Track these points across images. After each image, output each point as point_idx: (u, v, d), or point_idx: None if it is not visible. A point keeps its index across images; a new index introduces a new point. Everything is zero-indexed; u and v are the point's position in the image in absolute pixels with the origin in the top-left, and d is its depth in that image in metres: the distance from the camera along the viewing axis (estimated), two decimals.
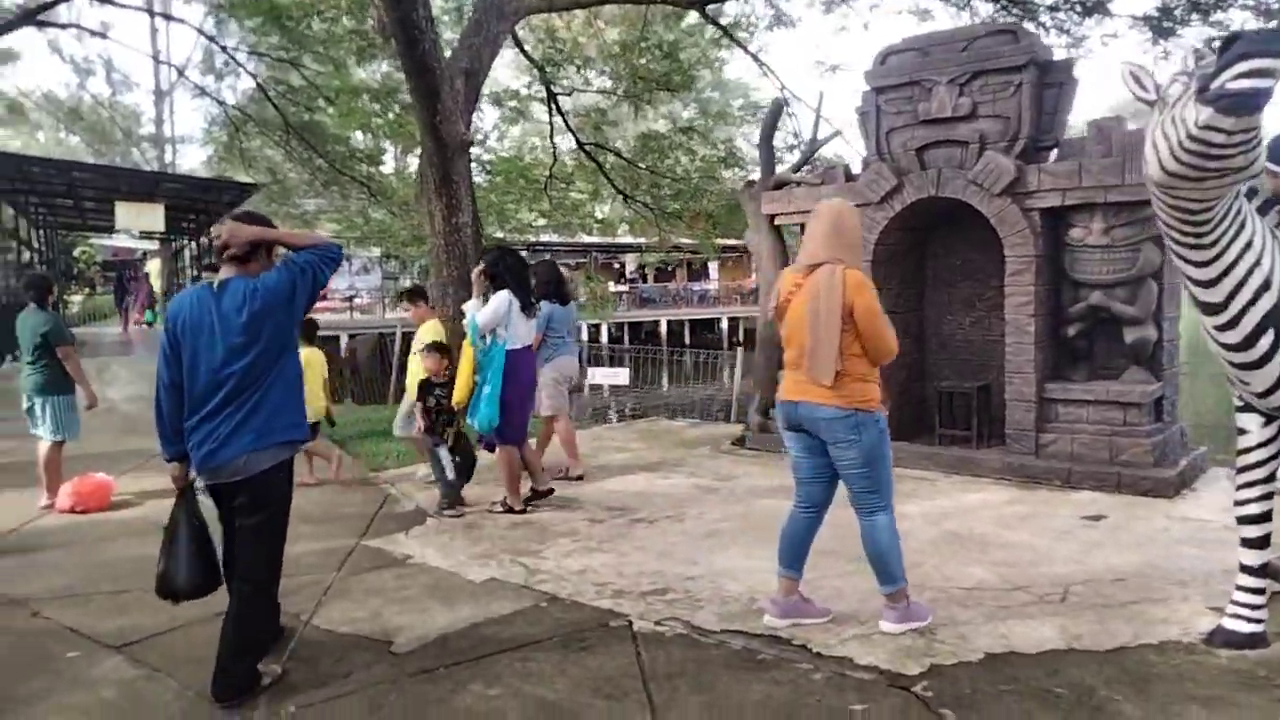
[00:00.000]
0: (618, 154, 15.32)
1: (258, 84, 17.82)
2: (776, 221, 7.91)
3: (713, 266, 44.48)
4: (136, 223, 15.08)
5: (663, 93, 15.62)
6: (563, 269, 7.33)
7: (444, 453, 5.83)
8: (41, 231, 21.59)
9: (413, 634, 3.72)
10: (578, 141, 14.35)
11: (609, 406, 16.02)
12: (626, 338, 32.63)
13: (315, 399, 6.25)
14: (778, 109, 9.64)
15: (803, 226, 4.09)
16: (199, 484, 3.44)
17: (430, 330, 6.63)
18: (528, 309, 5.71)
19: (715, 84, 37.17)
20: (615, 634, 3.70)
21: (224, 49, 17.26)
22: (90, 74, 27.58)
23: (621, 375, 10.18)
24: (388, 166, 23.88)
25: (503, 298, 5.53)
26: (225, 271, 3.36)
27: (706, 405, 15.97)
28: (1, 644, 3.75)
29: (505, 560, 4.73)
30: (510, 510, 5.69)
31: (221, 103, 20.89)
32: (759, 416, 7.90)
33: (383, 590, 4.29)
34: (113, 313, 23.31)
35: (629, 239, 31.79)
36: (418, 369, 6.26)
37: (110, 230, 23.01)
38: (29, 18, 17.48)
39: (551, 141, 14.85)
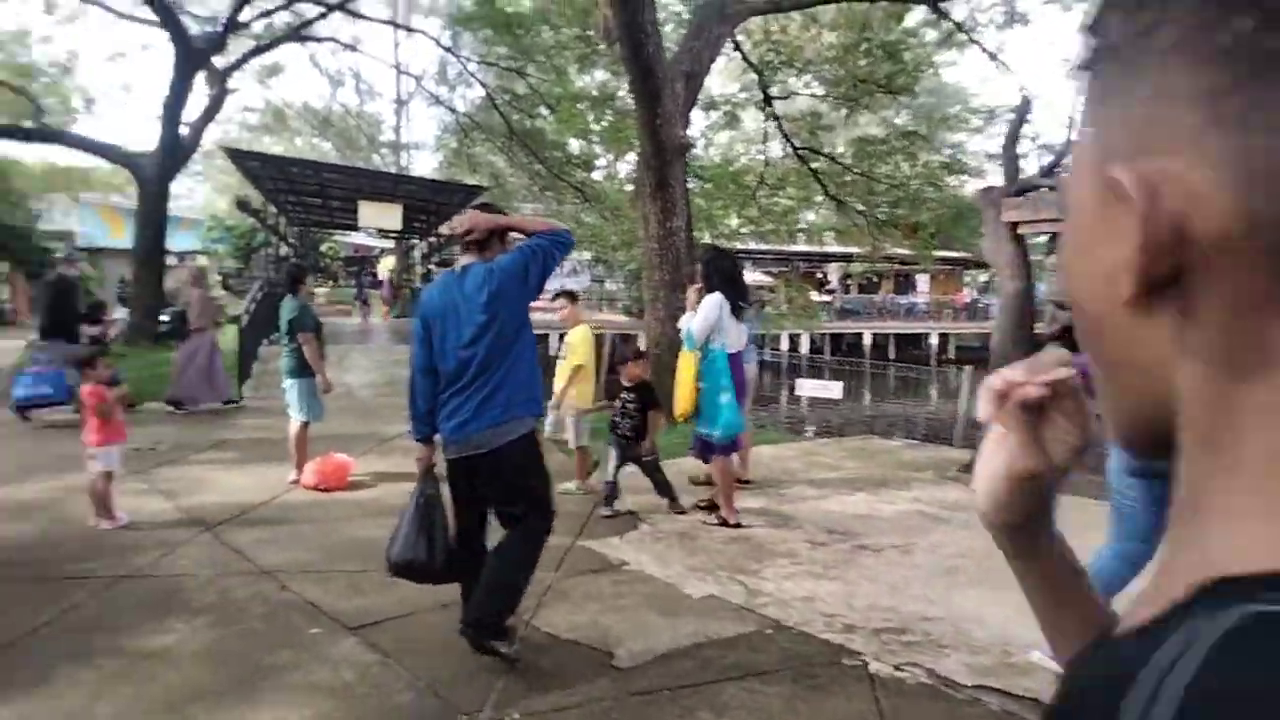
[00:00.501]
0: (833, 159, 14.82)
1: (486, 92, 18.81)
2: (1019, 230, 7.26)
3: (922, 279, 42.51)
4: (377, 221, 16.27)
5: (881, 96, 14.99)
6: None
7: (614, 452, 5.77)
8: (295, 228, 23.85)
9: (634, 648, 3.59)
10: (792, 146, 14.01)
11: (804, 420, 15.51)
12: (828, 349, 31.76)
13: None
14: (1024, 110, 8.90)
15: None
16: (439, 466, 3.56)
17: (579, 336, 6.51)
18: (738, 312, 5.52)
19: (932, 89, 35.50)
20: (850, 674, 3.40)
21: (458, 58, 18.30)
22: (341, 85, 30.43)
23: (834, 389, 9.74)
24: (598, 173, 24.50)
25: (714, 302, 5.39)
26: (465, 258, 3.55)
27: (914, 423, 15.14)
28: (256, 613, 3.98)
29: (723, 577, 4.52)
30: (725, 524, 5.50)
31: (453, 110, 22.29)
32: None
33: (601, 596, 4.21)
34: (353, 305, 25.50)
35: (832, 248, 30.98)
36: (567, 372, 6.34)
37: (352, 228, 25.08)
38: (295, 33, 19.41)
39: (764, 146, 14.58)
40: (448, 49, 18.72)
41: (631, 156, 21.99)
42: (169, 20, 15.38)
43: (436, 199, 17.42)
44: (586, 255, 31.42)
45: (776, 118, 13.53)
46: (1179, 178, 0.37)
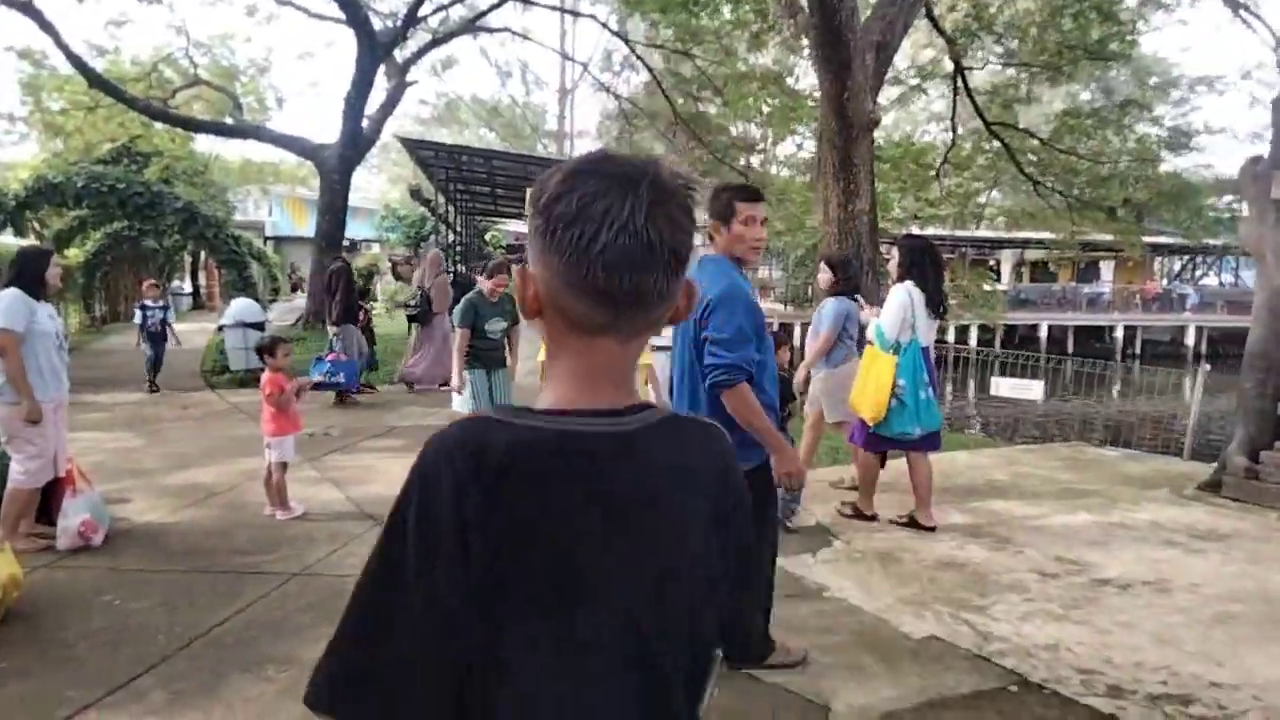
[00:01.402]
0: (1032, 134, 13.48)
1: (652, 75, 18.44)
2: None
3: (1106, 267, 39.20)
4: None
5: (1087, 64, 13.50)
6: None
7: None
8: (462, 216, 24.46)
9: (852, 702, 3.03)
10: (984, 121, 12.82)
11: (988, 420, 14.24)
12: (998, 341, 29.70)
13: None
14: None
15: None
16: None
17: None
18: (934, 305, 5.06)
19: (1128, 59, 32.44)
20: None
21: (625, 40, 18.01)
22: (509, 76, 31.14)
23: (1034, 389, 8.72)
24: (755, 157, 23.76)
25: (903, 293, 4.99)
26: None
27: (1115, 427, 13.62)
28: None
29: (944, 613, 3.87)
30: (914, 524, 5.13)
31: (617, 96, 22.11)
32: (1243, 459, 6.17)
33: (803, 628, 3.66)
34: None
35: (1002, 233, 28.88)
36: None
37: (516, 216, 25.49)
38: (470, 24, 19.75)
39: (953, 123, 13.45)
40: (615, 32, 18.48)
41: (793, 139, 21.22)
42: (354, 16, 15.88)
43: None
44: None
45: (969, 91, 12.39)
46: (534, 274, 0.94)
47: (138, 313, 10.67)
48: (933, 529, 5.05)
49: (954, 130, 13.63)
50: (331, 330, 9.71)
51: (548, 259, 0.90)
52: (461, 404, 6.20)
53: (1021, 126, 13.73)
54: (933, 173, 14.24)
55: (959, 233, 27.02)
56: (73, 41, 16.40)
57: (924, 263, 5.10)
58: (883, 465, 5.56)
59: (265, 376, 5.32)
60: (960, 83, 12.40)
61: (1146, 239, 24.34)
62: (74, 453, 6.75)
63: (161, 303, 10.83)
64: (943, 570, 4.44)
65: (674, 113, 18.96)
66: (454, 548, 0.86)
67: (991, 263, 37.52)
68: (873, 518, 5.30)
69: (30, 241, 14.44)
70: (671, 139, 21.20)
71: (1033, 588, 4.22)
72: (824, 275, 6.00)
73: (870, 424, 5.08)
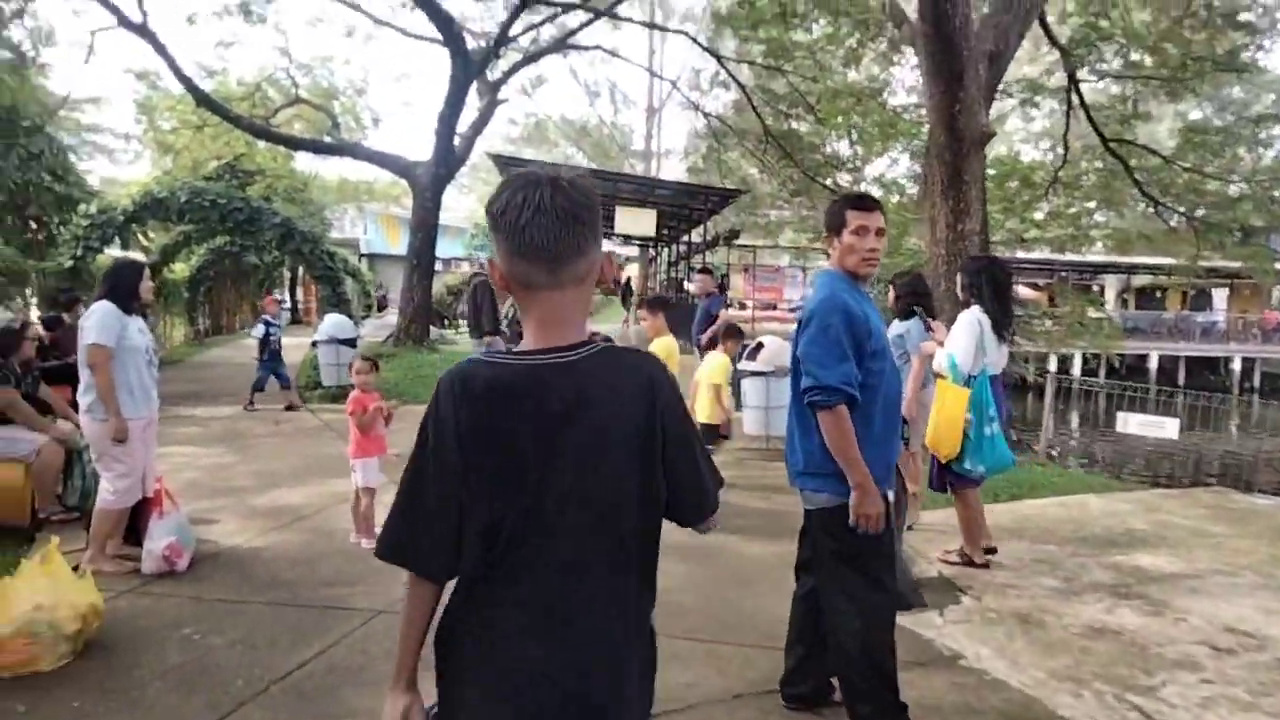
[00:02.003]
0: (1153, 152, 12.59)
1: (743, 90, 18.10)
2: None
3: (1219, 294, 36.98)
4: (632, 227, 16.09)
5: (1211, 77, 12.57)
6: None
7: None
8: None
9: None
10: (1101, 138, 12.03)
11: (1109, 460, 13.30)
12: (1102, 371, 28.23)
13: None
14: None
15: None
16: None
17: (662, 348, 5.88)
18: (1002, 330, 4.77)
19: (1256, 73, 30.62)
20: None
21: (716, 57, 17.73)
22: (597, 95, 31.21)
23: (1169, 427, 7.99)
24: (844, 175, 23.08)
25: (971, 320, 4.69)
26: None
27: (1240, 465, 12.55)
28: None
29: (1105, 693, 3.35)
30: (970, 563, 4.87)
31: (706, 114, 21.85)
32: None
33: (939, 707, 3.20)
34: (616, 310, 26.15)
35: (1102, 258, 27.51)
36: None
37: (606, 236, 25.47)
38: (560, 43, 19.80)
39: (1065, 140, 12.69)
40: (706, 48, 18.22)
41: (888, 157, 20.51)
42: (449, 34, 16.01)
43: (691, 203, 16.98)
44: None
45: (1085, 105, 11.65)
46: (497, 261, 1.37)
47: (260, 327, 10.71)
48: (986, 565, 4.85)
49: (1065, 148, 12.86)
50: (485, 342, 9.77)
51: (499, 242, 1.35)
52: None
53: (1142, 143, 12.85)
54: (1041, 192, 13.46)
55: (1057, 256, 25.82)
56: (184, 63, 17.03)
57: (985, 283, 4.78)
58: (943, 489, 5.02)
59: (352, 395, 5.15)
60: (1075, 97, 11.67)
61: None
62: (168, 469, 6.75)
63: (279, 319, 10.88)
64: (1095, 639, 3.90)
65: (764, 129, 18.57)
66: (452, 444, 1.34)
67: (1095, 288, 35.80)
68: (984, 565, 4.85)
69: (135, 255, 14.94)
70: (761, 157, 20.79)
71: (1207, 665, 3.65)
72: (890, 295, 5.72)
73: (942, 461, 4.77)
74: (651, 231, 15.83)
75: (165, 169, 23.89)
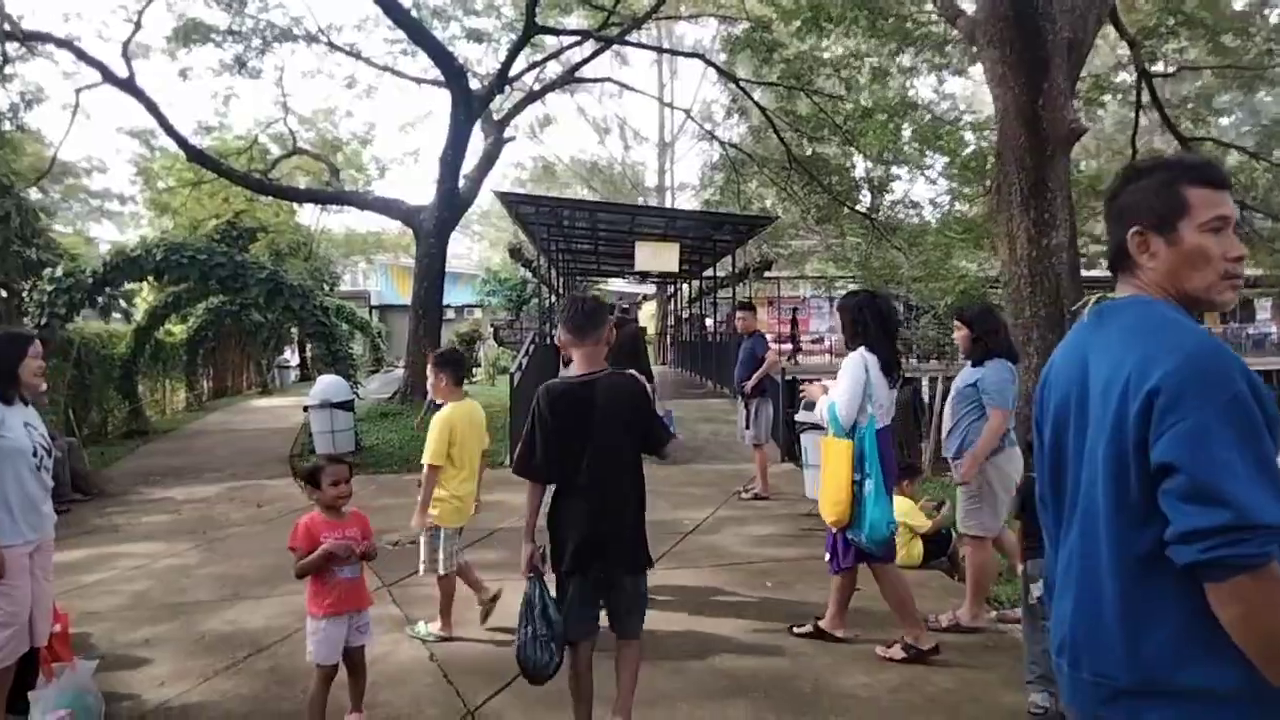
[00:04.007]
0: (1239, 149, 11.29)
1: (764, 113, 17.01)
2: None
3: (1263, 304, 35.40)
4: (652, 262, 14.89)
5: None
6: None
7: None
8: (563, 278, 23.35)
9: None
10: (1177, 136, 10.75)
11: None
12: None
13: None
14: None
15: None
16: None
17: (459, 415, 4.54)
18: (890, 372, 4.18)
19: None
20: None
21: (734, 79, 16.65)
22: (607, 132, 30.23)
23: None
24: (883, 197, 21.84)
25: (858, 361, 4.11)
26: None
27: None
28: None
29: None
30: (912, 652, 4.07)
31: (724, 143, 20.78)
32: None
33: None
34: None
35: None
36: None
37: (619, 274, 24.27)
38: (568, 74, 18.81)
39: (1133, 141, 11.40)
40: (721, 69, 17.15)
41: (923, 175, 19.28)
42: (449, 69, 15.04)
43: (715, 235, 15.79)
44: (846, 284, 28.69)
45: (1156, 100, 10.39)
46: (560, 338, 3.92)
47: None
48: (933, 651, 4.08)
49: (1134, 150, 11.56)
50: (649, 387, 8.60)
51: (561, 324, 3.35)
52: None
53: (1220, 138, 11.53)
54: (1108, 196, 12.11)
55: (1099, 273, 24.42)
56: (181, 120, 16.19)
57: (871, 319, 4.18)
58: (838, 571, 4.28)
59: (304, 519, 3.58)
60: (1146, 92, 10.41)
61: None
62: (115, 577, 5.50)
63: None
64: None
65: (788, 153, 17.43)
66: (547, 418, 3.11)
67: None
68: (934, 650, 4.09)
69: (113, 322, 13.84)
70: (784, 183, 19.63)
71: None
72: (960, 333, 4.67)
73: (833, 528, 4.08)
74: (674, 266, 14.64)
75: (164, 230, 23.02)
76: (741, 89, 17.03)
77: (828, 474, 4.10)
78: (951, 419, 4.54)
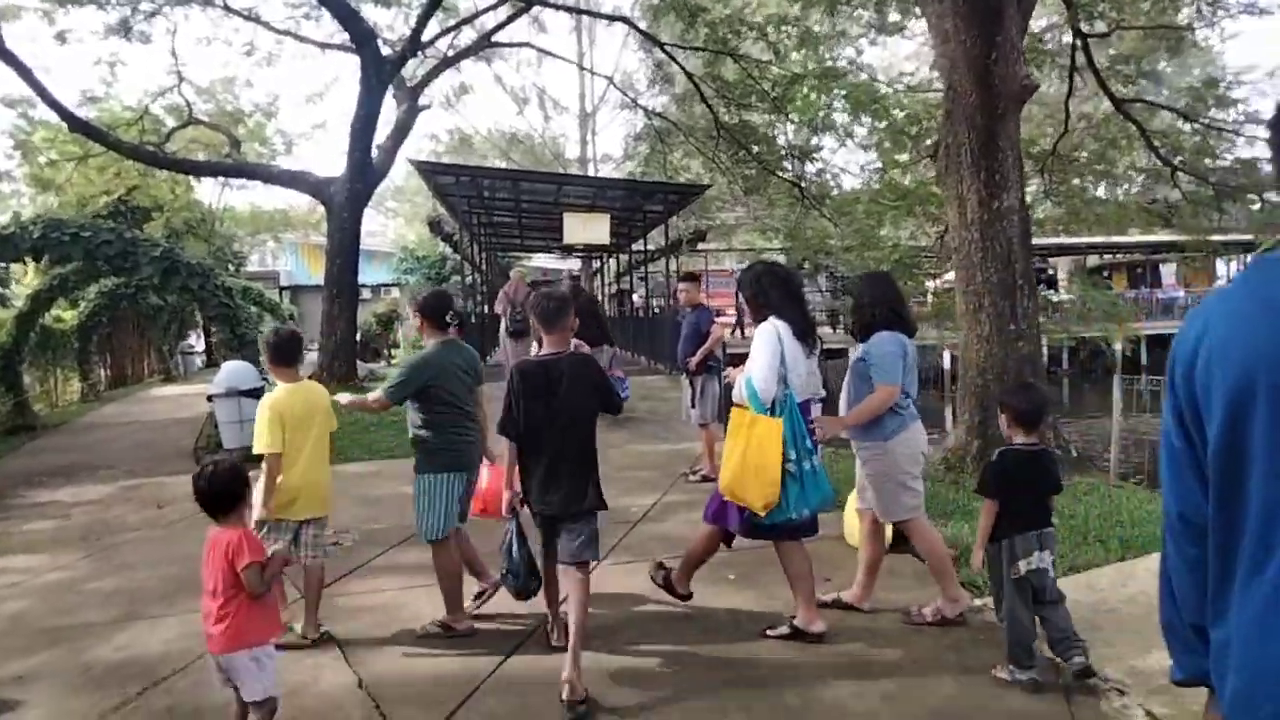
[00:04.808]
0: (1171, 109, 11.27)
1: (690, 79, 16.51)
2: None
3: (1167, 270, 36.78)
4: (581, 234, 14.30)
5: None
6: None
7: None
8: (485, 254, 22.52)
9: None
10: (1112, 99, 10.67)
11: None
12: (1065, 359, 27.33)
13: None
14: None
15: None
16: None
17: (297, 399, 4.21)
18: (806, 339, 3.93)
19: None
20: None
21: (658, 42, 16.10)
22: (526, 102, 29.32)
23: None
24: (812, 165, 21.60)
25: (769, 331, 3.85)
26: None
27: None
28: None
29: None
30: (799, 634, 3.95)
31: (649, 112, 20.22)
32: None
33: None
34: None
35: (1051, 240, 26.70)
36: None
37: (545, 249, 23.58)
38: (483, 41, 17.95)
39: (1066, 107, 11.30)
40: (645, 34, 16.57)
41: (853, 142, 19.08)
42: (357, 33, 14.08)
43: (646, 205, 15.28)
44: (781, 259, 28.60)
45: (1092, 64, 10.27)
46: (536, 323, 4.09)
47: None
48: (821, 635, 3.92)
49: (1066, 115, 11.47)
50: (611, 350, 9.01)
51: (534, 318, 3.87)
52: None
53: (1162, 102, 11.53)
54: (1039, 168, 12.07)
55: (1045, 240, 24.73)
56: (65, 90, 14.79)
57: (772, 288, 3.97)
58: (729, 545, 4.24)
59: (211, 535, 3.07)
60: (1083, 55, 10.27)
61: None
62: None
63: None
64: None
65: (715, 121, 16.99)
66: (519, 390, 3.71)
67: (1050, 271, 35.15)
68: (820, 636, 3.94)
69: None
70: (712, 153, 19.21)
71: None
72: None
73: (762, 513, 3.73)
74: (605, 238, 14.10)
75: (48, 208, 21.29)
76: (667, 54, 16.50)
77: (753, 455, 3.71)
78: (848, 397, 4.26)
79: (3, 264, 10.39)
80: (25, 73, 14.02)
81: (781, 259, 26.17)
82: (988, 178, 7.18)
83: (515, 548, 3.78)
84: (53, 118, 15.62)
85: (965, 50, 6.94)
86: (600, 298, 27.45)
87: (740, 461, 3.75)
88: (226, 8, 16.89)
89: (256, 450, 4.03)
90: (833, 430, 4.19)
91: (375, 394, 4.43)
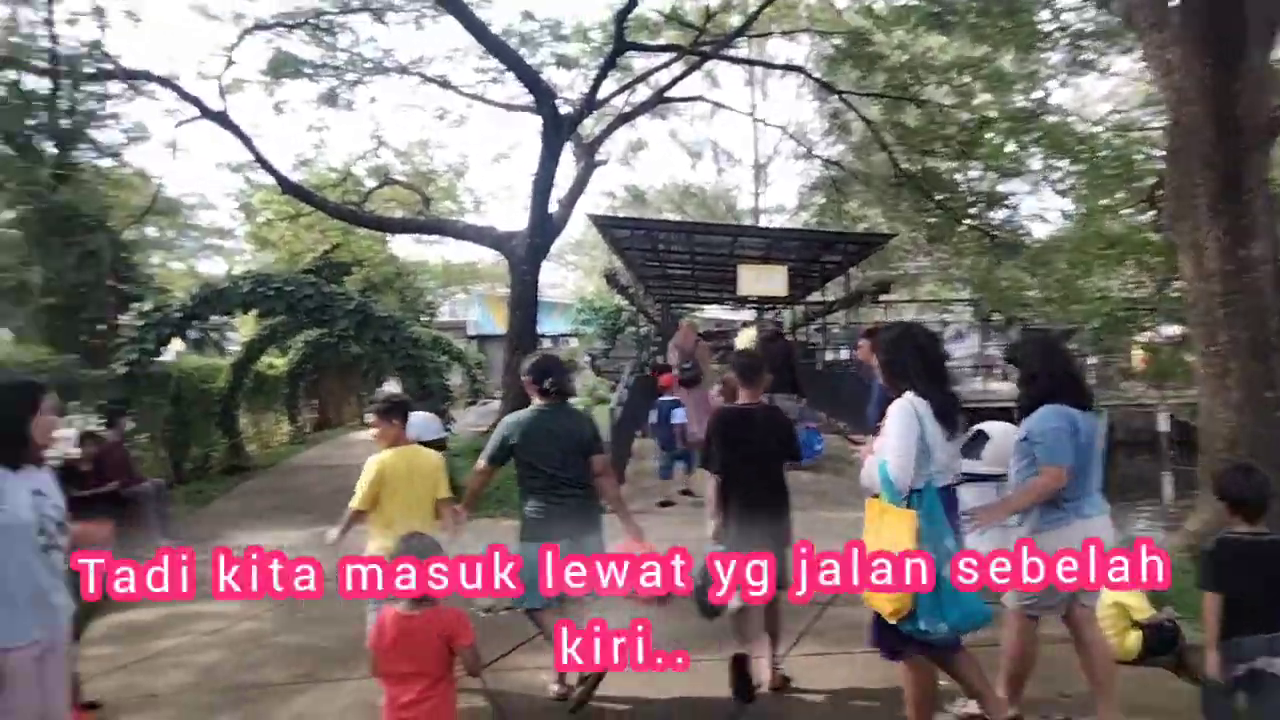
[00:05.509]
0: None
1: (869, 126, 15.99)
2: None
3: None
4: (756, 286, 14.02)
5: None
6: None
7: None
8: (659, 304, 22.63)
9: None
10: None
11: None
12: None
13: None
14: None
15: None
16: None
17: (400, 460, 4.39)
18: (948, 420, 3.39)
19: None
20: None
21: (838, 92, 15.74)
22: (699, 156, 29.58)
23: None
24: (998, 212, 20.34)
25: (906, 409, 3.35)
26: None
27: None
28: None
29: None
30: None
31: (825, 160, 19.78)
32: None
33: None
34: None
35: None
36: None
37: (718, 300, 23.42)
38: (658, 96, 18.20)
39: None
40: (824, 83, 16.25)
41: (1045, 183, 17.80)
42: (537, 90, 14.59)
43: (824, 255, 14.80)
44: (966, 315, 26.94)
45: None
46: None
47: (652, 413, 10.01)
48: None
49: None
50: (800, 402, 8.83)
51: (734, 374, 4.75)
52: None
53: None
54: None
55: None
56: (280, 155, 16.31)
57: (911, 357, 3.49)
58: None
59: (400, 621, 3.11)
60: None
61: None
62: (187, 644, 4.92)
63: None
64: None
65: (896, 168, 16.34)
66: (719, 432, 4.27)
67: None
68: None
69: (211, 356, 13.72)
70: (892, 202, 18.47)
71: None
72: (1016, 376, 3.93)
73: (892, 619, 3.26)
74: (783, 290, 13.71)
75: (264, 264, 23.35)
76: (845, 101, 16.07)
77: (882, 551, 3.27)
78: (1016, 483, 3.69)
79: (220, 316, 11.23)
80: (247, 141, 15.48)
81: (969, 312, 24.77)
82: (1230, 223, 6.31)
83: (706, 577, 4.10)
84: (270, 180, 17.14)
85: (1198, 81, 6.17)
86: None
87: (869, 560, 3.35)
88: (422, 76, 18.03)
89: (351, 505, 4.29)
90: (991, 520, 3.63)
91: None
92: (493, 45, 14.46)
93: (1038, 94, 15.58)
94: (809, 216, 25.35)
